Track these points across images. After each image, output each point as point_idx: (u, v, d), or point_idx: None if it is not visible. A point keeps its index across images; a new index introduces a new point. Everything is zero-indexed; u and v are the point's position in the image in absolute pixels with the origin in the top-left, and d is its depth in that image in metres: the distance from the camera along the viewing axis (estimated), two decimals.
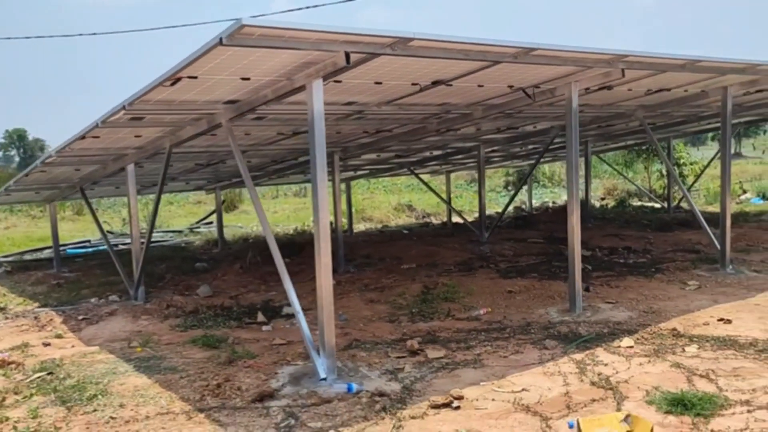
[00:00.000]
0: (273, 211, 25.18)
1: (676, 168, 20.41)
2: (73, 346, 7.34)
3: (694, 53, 7.96)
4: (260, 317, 8.26)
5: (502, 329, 7.26)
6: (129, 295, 9.75)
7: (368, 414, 4.93)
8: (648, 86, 9.06)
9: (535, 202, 23.02)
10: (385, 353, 6.52)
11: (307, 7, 20.07)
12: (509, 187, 29.72)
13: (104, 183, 12.10)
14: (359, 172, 17.85)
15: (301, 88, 5.75)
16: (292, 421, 4.86)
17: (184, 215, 25.78)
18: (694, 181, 20.99)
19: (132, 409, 5.25)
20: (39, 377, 6.13)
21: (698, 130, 19.18)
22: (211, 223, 19.69)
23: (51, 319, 8.56)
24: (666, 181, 20.97)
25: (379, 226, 19.93)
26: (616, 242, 13.06)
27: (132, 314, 8.67)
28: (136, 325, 8.24)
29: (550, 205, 22.77)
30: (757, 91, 10.56)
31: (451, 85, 7.22)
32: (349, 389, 5.39)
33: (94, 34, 25.43)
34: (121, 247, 15.26)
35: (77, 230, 20.54)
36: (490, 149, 15.31)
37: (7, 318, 8.92)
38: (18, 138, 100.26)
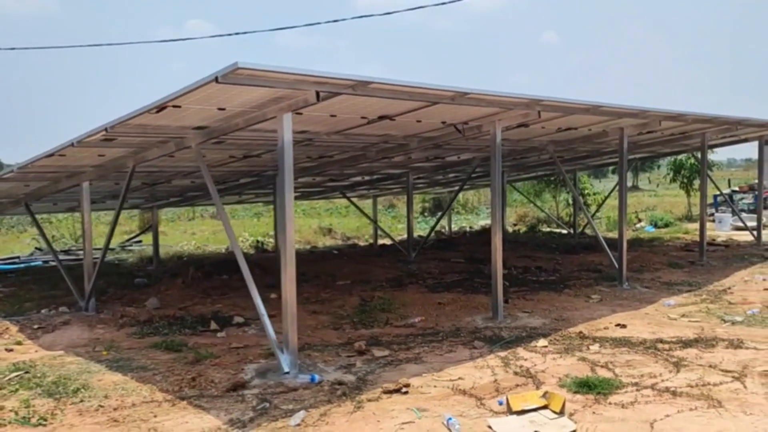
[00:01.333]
0: (191, 233, 25.37)
1: (581, 197, 22.36)
2: (37, 351, 7.77)
3: (599, 99, 9.40)
4: (213, 325, 8.92)
5: (436, 333, 8.28)
6: (78, 306, 10.12)
7: (331, 398, 5.80)
8: (558, 125, 10.47)
9: (453, 227, 24.53)
10: (336, 353, 7.39)
11: (236, 33, 20.84)
12: (425, 213, 31.27)
13: (46, 199, 12.34)
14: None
15: (271, 118, 6.61)
16: (267, 405, 5.65)
17: (100, 234, 25.46)
18: (597, 210, 23.03)
19: (117, 399, 5.88)
20: (17, 375, 6.60)
21: (600, 164, 21.26)
22: (140, 241, 19.88)
23: (7, 328, 8.87)
24: (572, 209, 22.93)
25: (308, 246, 20.70)
26: (528, 262, 14.47)
27: (87, 324, 9.10)
28: (93, 333, 8.70)
29: (468, 229, 24.31)
30: (648, 132, 12.27)
31: (394, 119, 8.26)
32: (312, 380, 6.23)
33: (13, 48, 24.56)
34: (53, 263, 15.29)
35: None
36: (416, 176, 16.51)
37: None
38: None
